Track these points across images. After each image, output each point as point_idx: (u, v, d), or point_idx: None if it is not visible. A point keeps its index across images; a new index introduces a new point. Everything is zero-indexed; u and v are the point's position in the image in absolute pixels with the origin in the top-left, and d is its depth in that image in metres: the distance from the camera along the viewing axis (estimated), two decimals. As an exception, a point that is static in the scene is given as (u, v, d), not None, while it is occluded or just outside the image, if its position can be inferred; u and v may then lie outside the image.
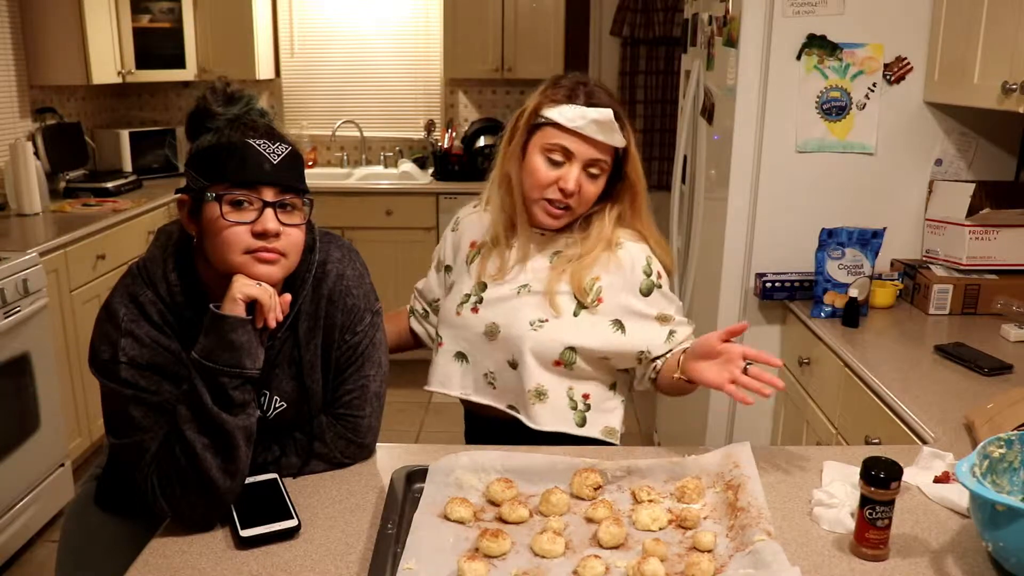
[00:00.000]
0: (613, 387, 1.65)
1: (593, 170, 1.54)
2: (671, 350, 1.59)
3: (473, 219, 1.72)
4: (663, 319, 1.60)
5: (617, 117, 1.52)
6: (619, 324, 1.57)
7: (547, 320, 1.57)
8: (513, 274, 1.62)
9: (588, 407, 1.61)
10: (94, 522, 1.45)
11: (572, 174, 1.52)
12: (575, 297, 1.57)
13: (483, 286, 1.64)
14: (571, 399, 1.60)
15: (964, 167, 2.43)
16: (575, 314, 1.57)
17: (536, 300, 1.59)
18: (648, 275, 1.59)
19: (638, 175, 1.59)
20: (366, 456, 1.43)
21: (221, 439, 1.20)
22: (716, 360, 1.44)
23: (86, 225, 3.31)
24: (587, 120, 1.50)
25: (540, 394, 1.58)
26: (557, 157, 1.53)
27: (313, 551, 1.18)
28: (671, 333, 1.59)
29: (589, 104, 1.52)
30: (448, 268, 1.74)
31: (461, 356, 1.66)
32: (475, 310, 1.63)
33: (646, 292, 1.58)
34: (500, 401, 1.64)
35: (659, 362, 1.60)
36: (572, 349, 1.56)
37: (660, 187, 4.78)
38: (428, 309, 1.79)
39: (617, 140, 1.54)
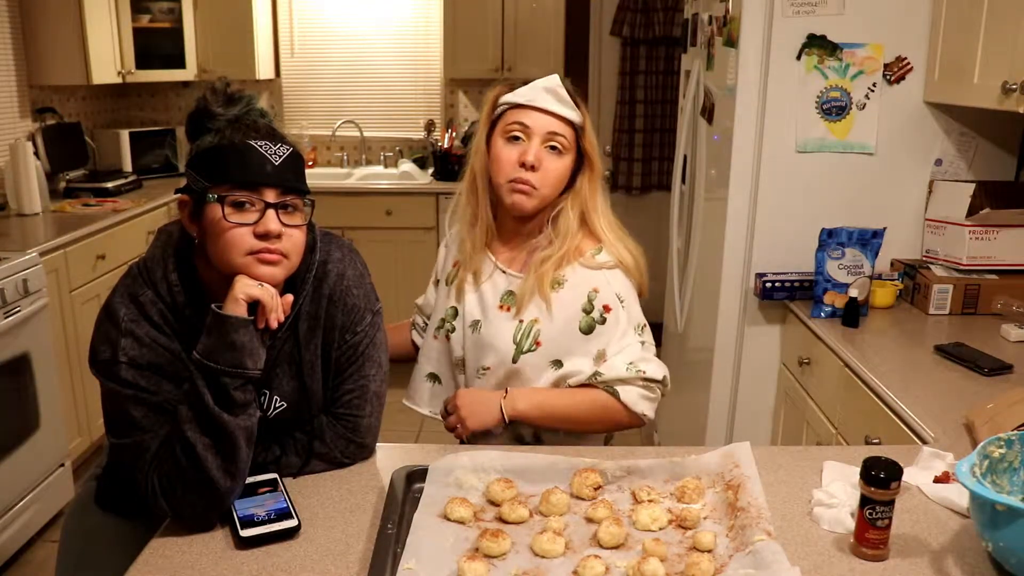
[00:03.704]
0: None
1: (553, 144, 1.55)
2: (591, 385, 1.58)
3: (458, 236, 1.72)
4: (599, 357, 1.57)
5: (569, 94, 1.57)
6: (558, 363, 1.57)
7: (489, 368, 1.59)
8: (472, 304, 1.63)
9: (540, 440, 1.62)
10: (94, 522, 1.45)
11: (532, 147, 1.54)
12: (515, 340, 1.57)
13: (455, 313, 1.65)
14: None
15: (964, 167, 2.43)
16: (514, 360, 1.57)
17: (483, 342, 1.60)
18: (588, 312, 1.56)
19: (594, 150, 1.61)
20: (366, 456, 1.43)
21: (222, 439, 1.20)
22: None
23: (86, 225, 3.31)
24: (537, 90, 1.55)
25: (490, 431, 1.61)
26: (517, 133, 1.56)
27: (313, 551, 1.18)
28: (596, 374, 1.56)
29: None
30: (439, 283, 1.76)
31: (433, 377, 1.69)
32: (447, 337, 1.66)
33: (587, 331, 1.56)
34: None
35: None
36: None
37: (660, 187, 4.79)
38: (428, 323, 1.80)
39: (570, 112, 1.56)
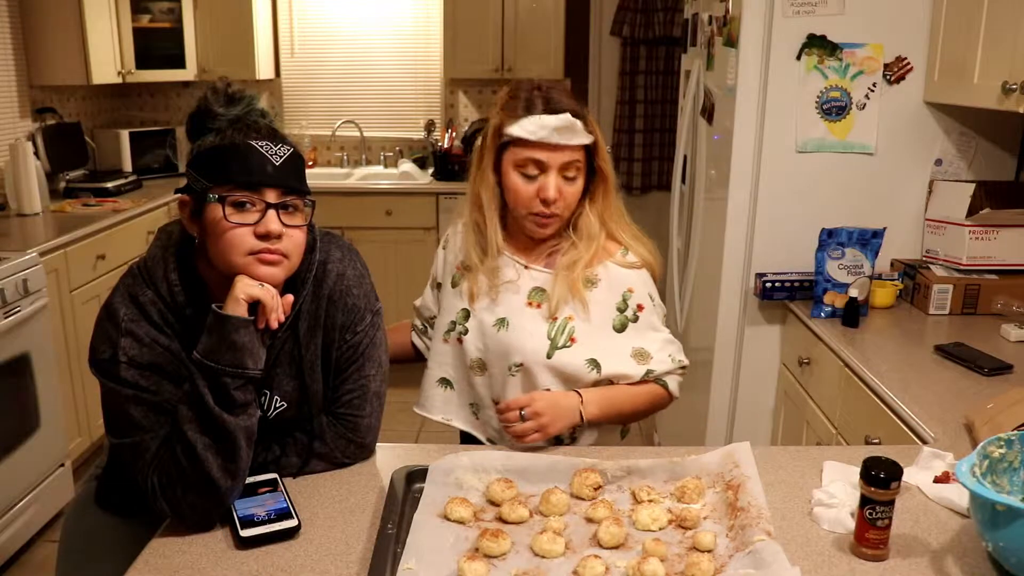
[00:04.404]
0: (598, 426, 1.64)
1: (569, 173, 1.55)
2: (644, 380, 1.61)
3: (460, 238, 1.70)
4: (640, 356, 1.59)
5: (577, 116, 1.52)
6: (594, 363, 1.57)
7: (521, 364, 1.57)
8: (492, 304, 1.61)
9: (574, 440, 1.61)
10: (94, 522, 1.45)
11: (550, 183, 1.53)
12: (549, 336, 1.56)
13: (466, 315, 1.63)
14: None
15: (964, 167, 2.43)
16: (549, 355, 1.56)
17: (513, 339, 1.58)
18: (622, 311, 1.59)
19: (608, 165, 1.60)
20: (366, 456, 1.43)
21: (222, 439, 1.20)
22: None
23: (86, 225, 3.31)
24: (549, 129, 1.50)
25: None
26: (531, 171, 1.54)
27: (313, 551, 1.18)
28: (648, 372, 1.59)
29: (548, 110, 1.51)
30: (440, 286, 1.74)
31: (445, 382, 1.67)
32: (460, 340, 1.63)
33: (619, 329, 1.59)
34: (481, 432, 1.65)
35: None
36: (548, 391, 1.57)
37: (660, 187, 4.79)
38: (427, 325, 1.79)
39: (583, 138, 1.54)
